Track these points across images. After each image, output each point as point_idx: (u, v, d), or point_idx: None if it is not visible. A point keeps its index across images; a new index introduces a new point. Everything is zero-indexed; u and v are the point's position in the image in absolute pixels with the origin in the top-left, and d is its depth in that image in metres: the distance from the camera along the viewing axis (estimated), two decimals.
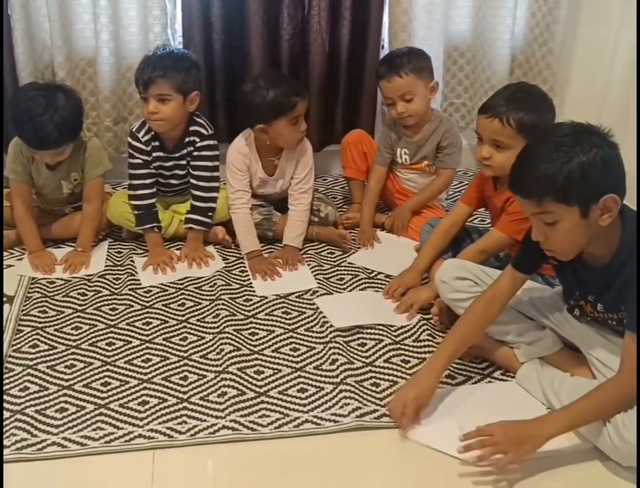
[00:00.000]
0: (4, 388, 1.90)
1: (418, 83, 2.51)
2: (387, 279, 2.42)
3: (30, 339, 2.11)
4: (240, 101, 2.49)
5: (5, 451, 1.69)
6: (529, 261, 1.81)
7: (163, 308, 2.27)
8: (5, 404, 1.84)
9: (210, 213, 2.56)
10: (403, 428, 1.74)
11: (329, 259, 2.58)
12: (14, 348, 2.07)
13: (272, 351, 2.07)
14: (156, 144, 2.54)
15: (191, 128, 2.53)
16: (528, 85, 2.23)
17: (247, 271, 2.48)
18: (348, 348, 2.08)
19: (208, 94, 2.84)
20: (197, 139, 2.53)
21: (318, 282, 2.42)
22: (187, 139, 2.54)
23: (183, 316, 2.23)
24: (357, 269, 2.51)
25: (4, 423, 1.77)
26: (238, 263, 2.53)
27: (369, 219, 2.70)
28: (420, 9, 2.86)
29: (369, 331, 2.16)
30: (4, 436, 1.73)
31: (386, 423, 1.79)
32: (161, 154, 2.55)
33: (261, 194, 2.64)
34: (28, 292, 2.35)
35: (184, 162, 2.58)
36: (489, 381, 1.95)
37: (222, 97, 2.92)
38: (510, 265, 1.83)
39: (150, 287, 2.38)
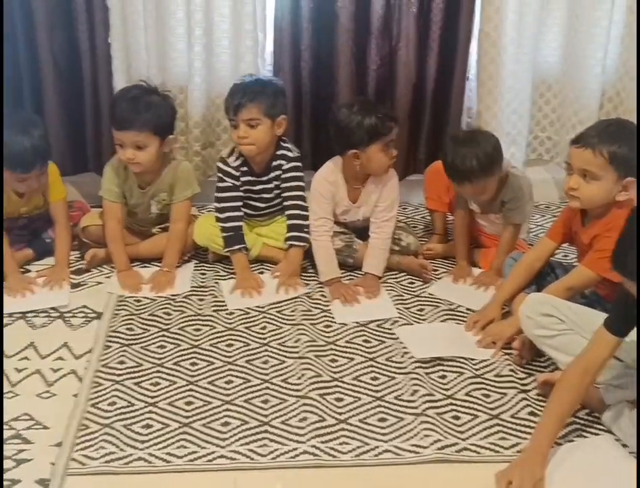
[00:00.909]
0: (94, 401, 1.97)
1: (491, 179, 2.45)
2: (468, 312, 2.40)
3: (118, 355, 2.18)
4: (334, 126, 2.52)
5: (94, 463, 1.75)
6: (623, 321, 1.70)
7: (246, 330, 2.31)
8: (94, 418, 1.91)
9: (307, 230, 2.59)
10: None
11: (409, 289, 2.58)
12: (103, 363, 2.14)
13: (353, 379, 2.08)
14: (245, 168, 2.60)
15: (278, 152, 2.60)
16: (622, 120, 2.21)
17: (327, 297, 2.50)
18: (429, 379, 2.07)
19: (294, 121, 2.90)
20: (284, 162, 2.59)
21: (399, 312, 2.42)
22: (274, 163, 2.60)
23: (264, 339, 2.27)
24: (438, 300, 2.50)
25: (94, 436, 1.84)
26: (319, 289, 2.56)
27: (464, 255, 2.66)
28: (509, 41, 2.85)
29: (449, 363, 2.14)
30: (93, 449, 1.79)
31: (467, 457, 1.78)
32: (249, 178, 2.62)
33: (343, 221, 2.67)
34: (116, 309, 2.42)
35: (271, 185, 2.64)
36: (578, 430, 1.88)
37: (308, 125, 2.98)
38: (603, 327, 1.72)
39: (235, 309, 2.43)
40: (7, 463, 1.75)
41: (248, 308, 2.43)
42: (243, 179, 2.63)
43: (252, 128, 2.48)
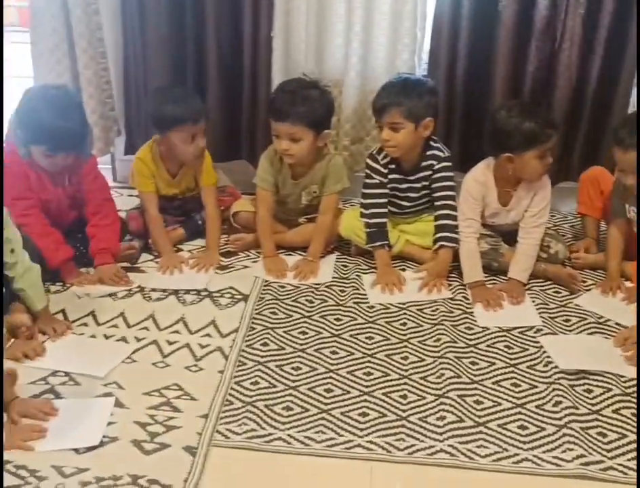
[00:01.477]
0: (238, 379, 2.04)
1: None
2: (618, 327, 2.30)
3: (262, 337, 2.25)
4: (490, 128, 2.49)
5: (237, 438, 1.82)
6: None
7: (386, 325, 2.33)
8: (237, 395, 1.98)
9: (457, 231, 2.57)
10: None
11: (554, 298, 2.50)
12: (247, 343, 2.21)
13: (493, 383, 2.05)
14: (393, 166, 2.61)
15: (428, 152, 2.59)
16: None
17: (469, 299, 2.48)
18: (573, 392, 2.00)
19: (445, 121, 2.88)
20: (435, 163, 2.58)
21: (543, 321, 2.35)
22: (424, 163, 2.59)
23: (404, 335, 2.27)
24: (585, 312, 2.41)
25: (237, 412, 1.91)
26: (460, 290, 2.53)
27: (617, 268, 2.55)
28: None
29: (596, 377, 2.06)
30: (236, 424, 1.87)
31: (613, 476, 1.71)
32: (397, 176, 2.63)
33: (491, 224, 2.63)
34: (261, 293, 2.50)
35: (418, 185, 2.63)
36: None
37: (459, 125, 2.95)
38: None
39: (376, 304, 2.45)
40: (157, 428, 1.85)
41: (389, 304, 2.45)
42: (390, 176, 2.64)
43: (395, 131, 2.49)
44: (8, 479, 1.68)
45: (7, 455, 1.73)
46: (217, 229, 2.77)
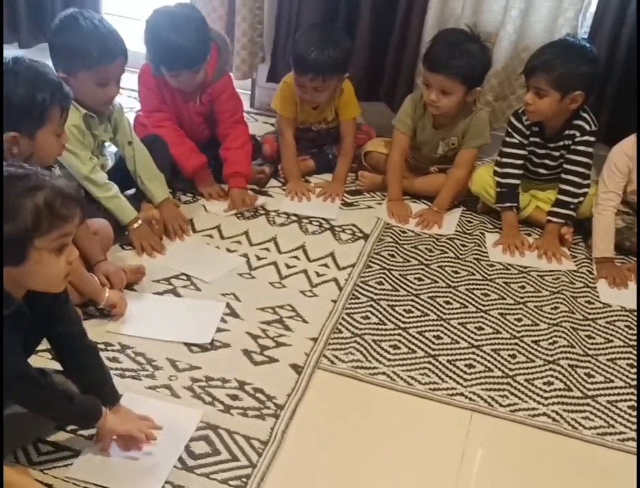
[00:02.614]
0: (350, 311, 2.08)
1: None
2: None
3: (378, 276, 2.26)
4: None
5: (342, 365, 1.87)
6: None
7: (504, 285, 2.29)
8: (348, 326, 2.02)
9: (573, 207, 2.50)
10: None
11: None
12: (362, 279, 2.24)
13: (608, 360, 2.00)
14: (536, 129, 2.53)
15: (574, 122, 2.48)
16: None
17: (593, 273, 2.39)
18: None
19: (602, 87, 2.74)
20: (578, 134, 2.48)
21: None
22: (567, 132, 2.49)
23: (522, 298, 2.23)
24: None
25: (346, 341, 1.95)
26: (586, 263, 2.45)
27: None
28: None
29: None
30: (343, 352, 1.91)
31: None
32: (537, 140, 2.54)
33: (632, 200, 2.51)
34: (382, 235, 2.51)
35: (557, 153, 2.54)
36: None
37: (611, 96, 2.80)
38: None
39: (496, 262, 2.41)
40: (267, 342, 1.92)
41: (509, 264, 2.40)
42: (531, 139, 2.56)
43: (539, 97, 2.40)
44: (127, 363, 1.80)
45: (127, 340, 1.86)
46: (348, 163, 2.78)
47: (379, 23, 2.93)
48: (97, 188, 2.17)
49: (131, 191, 2.41)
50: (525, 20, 2.74)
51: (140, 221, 2.24)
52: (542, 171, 2.62)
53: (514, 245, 2.48)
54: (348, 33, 2.81)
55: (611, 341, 2.08)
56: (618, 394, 1.87)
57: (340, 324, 2.02)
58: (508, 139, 2.59)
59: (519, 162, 2.58)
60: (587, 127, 2.48)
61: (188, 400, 1.71)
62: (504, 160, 2.59)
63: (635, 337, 2.10)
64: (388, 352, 1.93)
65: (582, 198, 2.51)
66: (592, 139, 2.49)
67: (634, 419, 1.78)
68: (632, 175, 2.44)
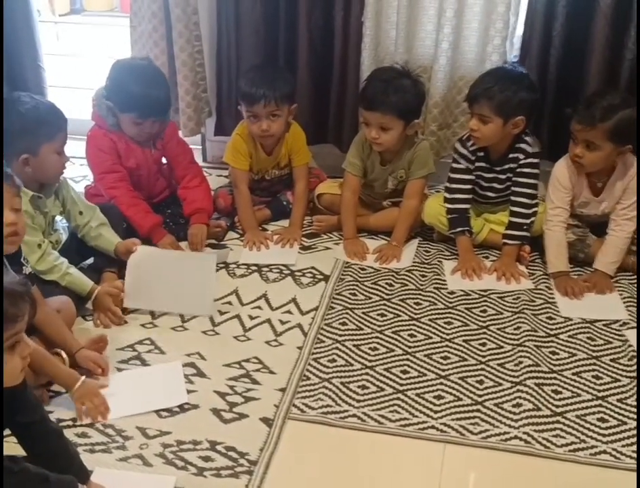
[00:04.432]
0: (316, 356, 2.08)
1: None
2: None
3: (341, 316, 2.28)
4: None
5: (312, 412, 1.87)
6: None
7: (466, 311, 2.32)
8: (315, 371, 2.03)
9: (526, 228, 2.55)
10: None
11: None
12: (326, 322, 2.25)
13: (573, 374, 2.02)
14: (481, 154, 2.59)
15: (518, 144, 2.54)
16: None
17: (552, 289, 2.43)
18: None
19: (537, 109, 2.81)
20: (521, 156, 2.54)
21: (630, 315, 2.29)
22: (511, 155, 2.55)
23: (484, 322, 2.26)
24: None
25: (314, 387, 1.96)
26: (543, 279, 2.49)
27: None
28: None
29: None
30: (313, 399, 1.91)
31: None
32: (483, 164, 2.60)
33: (580, 213, 2.57)
34: (342, 274, 2.53)
35: (503, 176, 2.60)
36: None
37: (549, 114, 2.88)
38: None
39: (456, 290, 2.44)
40: (236, 398, 1.92)
41: (469, 290, 2.43)
42: (477, 164, 2.61)
43: (483, 124, 2.46)
44: (97, 437, 1.78)
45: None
46: (303, 207, 2.81)
47: (317, 66, 3.00)
48: (48, 274, 2.16)
49: (90, 261, 2.42)
50: (455, 51, 2.81)
51: (95, 293, 2.23)
52: (490, 194, 2.67)
53: (472, 269, 2.52)
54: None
55: (575, 355, 2.10)
56: (586, 408, 1.89)
57: (307, 370, 2.03)
58: (454, 165, 2.64)
59: (467, 187, 2.63)
60: (529, 150, 2.54)
61: (160, 468, 1.70)
62: (453, 186, 2.64)
63: (598, 348, 2.13)
64: (357, 393, 1.94)
65: (533, 218, 2.56)
66: (535, 160, 2.55)
67: (605, 432, 1.80)
68: (576, 189, 2.50)
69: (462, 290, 2.43)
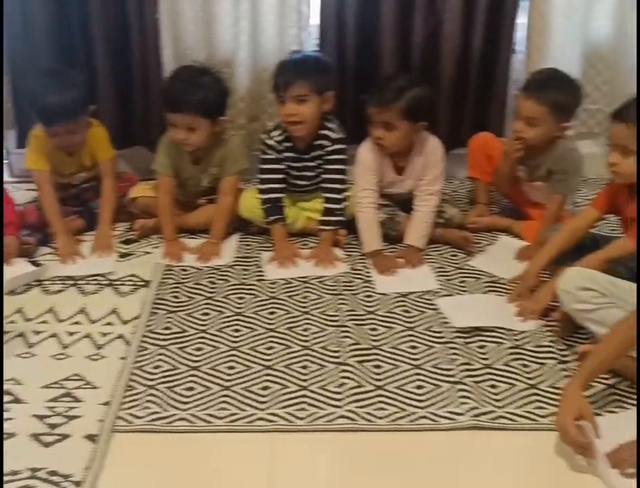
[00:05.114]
0: (140, 364, 2.04)
1: (548, 118, 2.47)
2: (513, 284, 2.38)
3: (164, 321, 2.24)
4: None
5: (139, 421, 1.82)
6: None
7: (288, 299, 2.36)
8: (140, 380, 1.98)
9: (340, 213, 2.62)
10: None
11: (451, 261, 2.58)
12: (149, 328, 2.20)
13: (391, 347, 2.11)
14: (289, 144, 2.63)
15: (321, 131, 2.61)
16: None
17: (369, 268, 2.53)
18: (468, 349, 2.09)
19: (339, 95, 2.90)
20: (327, 143, 2.61)
21: (440, 284, 2.43)
22: (317, 142, 2.62)
23: (305, 308, 2.31)
24: (480, 272, 2.50)
25: (139, 397, 1.91)
26: (361, 260, 2.58)
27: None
28: (559, 13, 2.82)
29: (489, 333, 2.15)
30: (139, 408, 1.87)
31: (502, 424, 1.80)
32: (291, 154, 2.65)
33: (388, 193, 2.68)
34: (163, 278, 2.49)
35: (313, 164, 2.66)
36: (617, 401, 1.87)
37: (351, 99, 2.98)
38: None
39: (275, 279, 2.47)
40: (57, 420, 1.83)
41: (291, 278, 2.47)
42: (285, 154, 2.66)
43: (301, 104, 2.51)
44: None
45: None
46: (112, 205, 2.74)
47: (116, 67, 2.91)
48: None
49: None
50: (255, 44, 2.85)
51: None
52: (302, 182, 2.73)
53: (287, 258, 2.56)
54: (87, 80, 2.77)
55: (392, 328, 2.20)
56: (405, 378, 1.97)
57: (132, 380, 1.97)
58: (263, 156, 2.68)
59: (279, 176, 2.68)
60: (333, 136, 2.62)
61: None
62: (264, 176, 2.67)
63: (413, 319, 2.24)
64: (184, 396, 1.91)
65: (346, 202, 2.63)
66: (341, 146, 2.63)
67: (422, 398, 1.89)
68: (381, 170, 2.61)
69: (282, 279, 2.47)
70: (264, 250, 2.66)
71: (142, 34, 2.84)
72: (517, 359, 2.04)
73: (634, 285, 1.97)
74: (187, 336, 2.17)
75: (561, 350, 2.08)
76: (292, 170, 2.69)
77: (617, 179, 2.09)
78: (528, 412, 1.84)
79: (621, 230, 2.29)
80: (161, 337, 2.17)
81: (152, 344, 2.13)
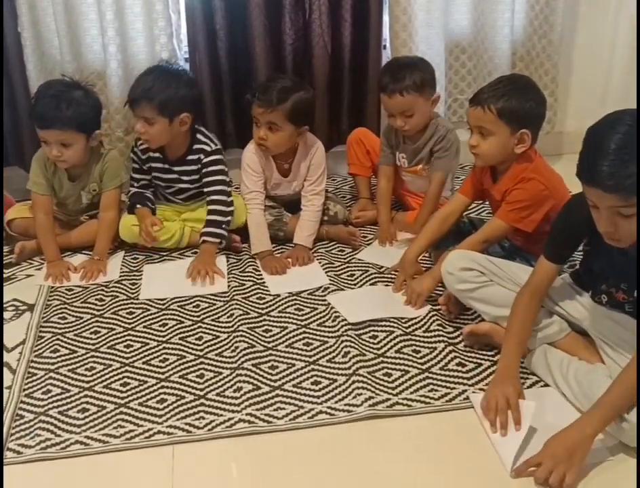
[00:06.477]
0: (28, 391, 1.96)
1: (419, 100, 2.52)
2: (396, 274, 2.45)
3: (51, 344, 2.17)
4: None
5: (30, 451, 1.75)
6: (559, 251, 1.86)
7: (179, 309, 2.33)
8: (28, 407, 1.91)
9: (225, 226, 2.59)
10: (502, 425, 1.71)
11: (339, 256, 2.63)
12: (36, 353, 2.13)
13: (286, 346, 2.12)
14: (157, 155, 2.61)
15: (195, 146, 2.60)
16: (516, 75, 2.38)
17: (259, 270, 2.53)
18: (360, 340, 2.12)
19: (215, 100, 2.91)
20: (202, 157, 2.59)
21: (330, 279, 2.46)
22: (190, 157, 2.60)
23: (198, 317, 2.29)
24: (367, 265, 2.55)
25: (29, 425, 1.84)
26: (251, 262, 2.59)
27: (387, 218, 2.71)
28: (419, 7, 2.92)
29: (380, 323, 2.20)
30: (29, 437, 1.80)
31: (399, 411, 1.84)
32: (160, 165, 2.64)
33: (275, 195, 2.70)
34: (48, 300, 2.41)
35: (186, 178, 2.65)
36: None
37: (229, 103, 2.98)
38: (542, 257, 1.86)
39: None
40: None
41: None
42: (153, 165, 2.66)
43: (149, 125, 2.48)
44: None
45: None
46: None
47: None
48: None
49: None
50: (125, 54, 2.80)
51: None
52: (179, 195, 2.70)
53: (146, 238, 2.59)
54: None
55: (286, 328, 2.21)
56: (301, 375, 1.99)
57: (20, 408, 1.90)
58: (133, 164, 2.69)
59: (142, 183, 2.70)
60: (208, 148, 2.61)
61: None
62: (131, 183, 2.69)
63: (306, 317, 2.26)
64: (77, 418, 1.86)
65: (230, 216, 2.60)
66: (218, 157, 2.62)
67: (319, 393, 1.91)
68: (267, 172, 2.63)
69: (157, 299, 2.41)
70: (151, 262, 2.61)
71: (3, 49, 2.73)
72: (409, 346, 2.10)
73: (509, 262, 2.07)
74: (77, 357, 2.11)
75: (449, 332, 2.15)
76: (160, 181, 2.69)
77: (479, 161, 2.19)
78: (422, 396, 1.89)
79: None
80: (50, 360, 2.09)
81: (41, 369, 2.06)
